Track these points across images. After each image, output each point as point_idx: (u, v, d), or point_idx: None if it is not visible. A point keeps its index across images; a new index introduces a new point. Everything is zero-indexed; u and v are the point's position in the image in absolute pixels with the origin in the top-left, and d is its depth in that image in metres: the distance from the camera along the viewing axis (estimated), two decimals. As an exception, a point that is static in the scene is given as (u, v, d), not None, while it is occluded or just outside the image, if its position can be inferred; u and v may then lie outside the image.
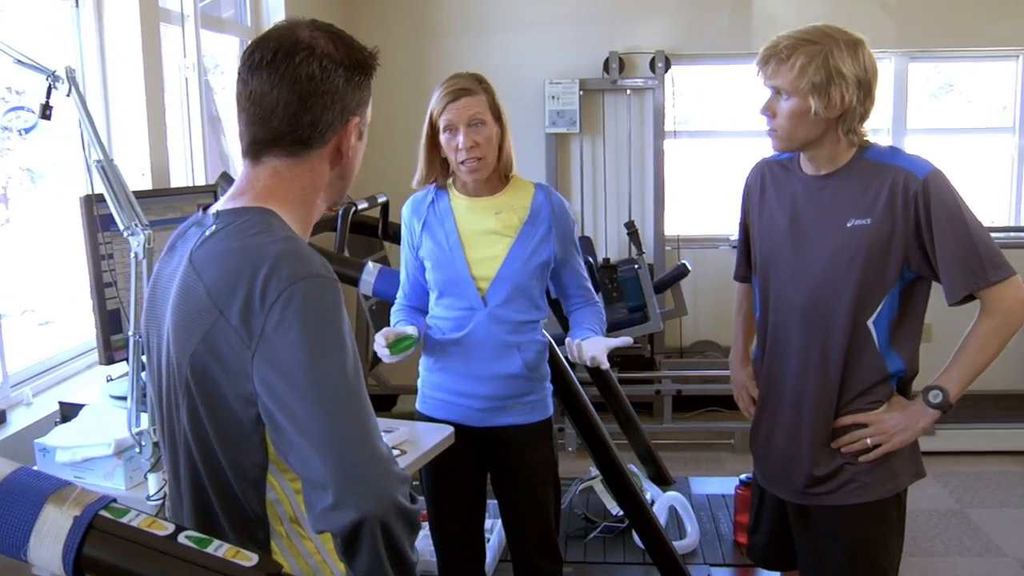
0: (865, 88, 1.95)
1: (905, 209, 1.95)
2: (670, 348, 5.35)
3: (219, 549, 1.04)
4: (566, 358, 2.58)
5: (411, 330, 2.30)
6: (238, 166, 4.26)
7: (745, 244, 2.33)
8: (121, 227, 1.83)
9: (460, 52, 5.21)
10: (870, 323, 2.02)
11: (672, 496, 3.27)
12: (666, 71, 5.16)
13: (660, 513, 3.24)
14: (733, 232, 5.39)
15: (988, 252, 1.94)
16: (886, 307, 2.01)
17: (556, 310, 3.26)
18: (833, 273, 2.02)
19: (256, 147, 1.33)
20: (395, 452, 2.18)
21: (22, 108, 2.06)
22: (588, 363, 2.30)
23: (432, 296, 2.40)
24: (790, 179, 2.13)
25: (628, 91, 5.23)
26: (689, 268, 4.68)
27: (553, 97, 5.15)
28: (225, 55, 4.21)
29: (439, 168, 2.35)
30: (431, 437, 2.31)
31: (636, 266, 4.59)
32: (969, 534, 3.86)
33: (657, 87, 5.17)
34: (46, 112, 1.98)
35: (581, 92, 5.14)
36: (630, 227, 4.74)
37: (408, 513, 1.14)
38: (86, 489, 1.08)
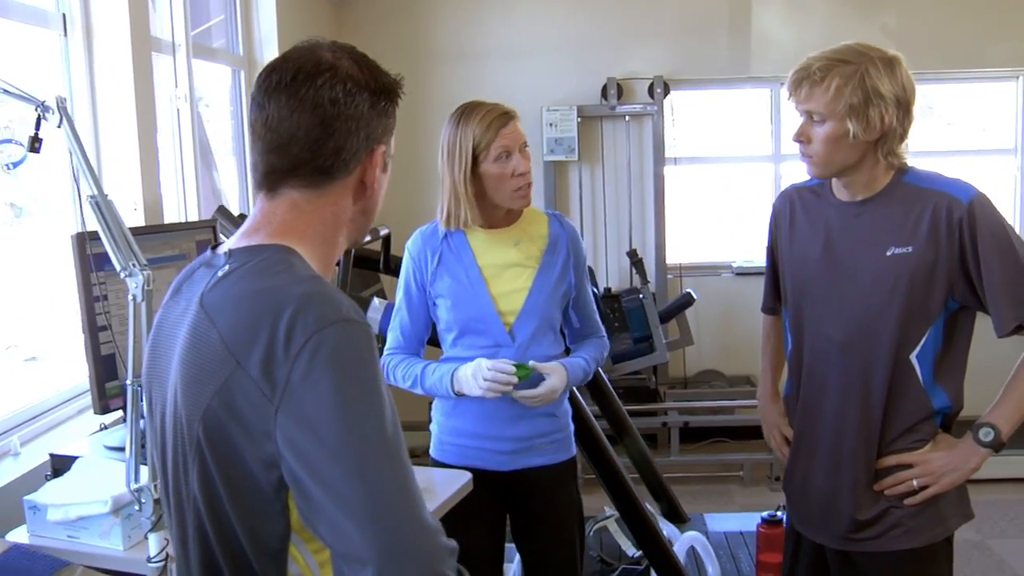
0: (904, 107, 1.86)
1: (949, 236, 1.84)
2: (674, 378, 5.24)
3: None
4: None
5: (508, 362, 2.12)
6: (231, 200, 4.16)
7: (773, 275, 2.21)
8: (118, 267, 1.70)
9: (455, 79, 5.12)
10: (913, 357, 1.91)
11: (692, 536, 3.14)
12: (665, 96, 5.08)
13: (679, 554, 3.11)
14: (736, 259, 5.35)
15: (1039, 280, 1.83)
16: (930, 340, 1.90)
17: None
18: (873, 305, 1.91)
19: (273, 177, 1.20)
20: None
21: (9, 141, 1.93)
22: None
23: (448, 336, 2.27)
24: (822, 206, 2.03)
25: (627, 117, 5.15)
26: (695, 297, 4.56)
27: (550, 124, 5.06)
28: (213, 86, 4.10)
29: (478, 204, 2.19)
30: (449, 486, 2.17)
31: (641, 296, 4.48)
32: (993, 567, 3.74)
33: (656, 113, 5.09)
34: (35, 145, 1.86)
35: (579, 119, 5.05)
36: (633, 256, 4.65)
37: None
38: (89, 569, 0.96)
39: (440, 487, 2.16)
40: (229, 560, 1.14)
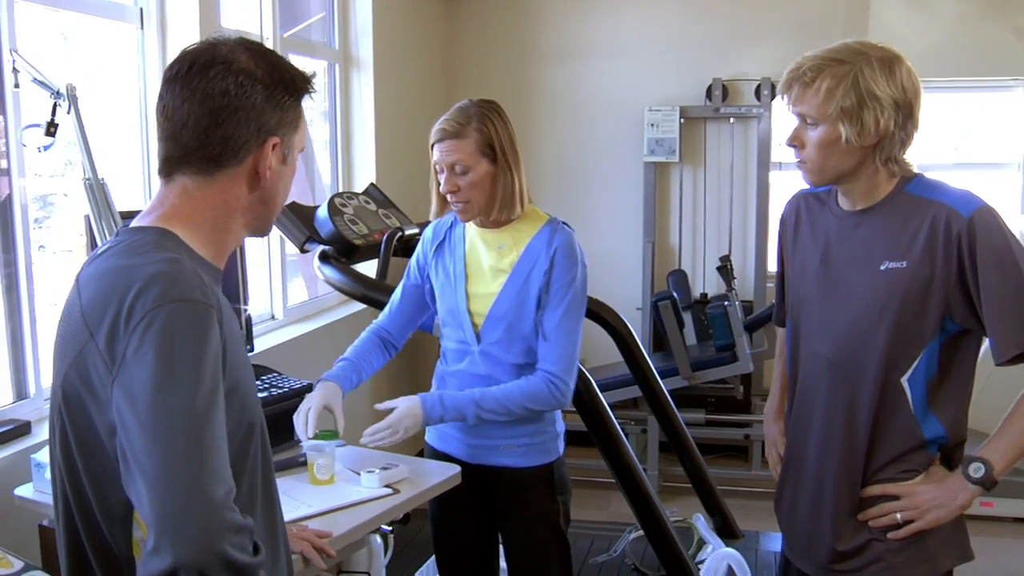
0: (905, 111, 1.72)
1: (947, 251, 1.70)
2: (769, 390, 5.04)
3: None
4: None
5: (339, 425, 2.14)
6: (321, 194, 4.29)
7: (782, 285, 2.11)
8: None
9: (558, 77, 5.12)
10: (904, 381, 1.77)
11: (727, 553, 3.02)
12: (772, 99, 4.90)
13: (717, 570, 3.00)
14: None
15: (1044, 304, 1.66)
16: (923, 363, 1.76)
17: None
18: (863, 322, 1.78)
19: (168, 164, 1.28)
20: (387, 491, 2.08)
21: (38, 125, 2.08)
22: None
23: (440, 323, 2.31)
24: (825, 214, 1.91)
25: (731, 119, 5.00)
26: (784, 307, 4.39)
27: (652, 125, 4.98)
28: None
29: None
30: (434, 476, 2.19)
31: (726, 303, 4.36)
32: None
33: (763, 116, 4.91)
34: (51, 130, 2.00)
35: (682, 120, 4.95)
36: (723, 261, 4.52)
37: (239, 567, 1.03)
38: None
39: (425, 477, 2.17)
40: (85, 524, 1.21)
